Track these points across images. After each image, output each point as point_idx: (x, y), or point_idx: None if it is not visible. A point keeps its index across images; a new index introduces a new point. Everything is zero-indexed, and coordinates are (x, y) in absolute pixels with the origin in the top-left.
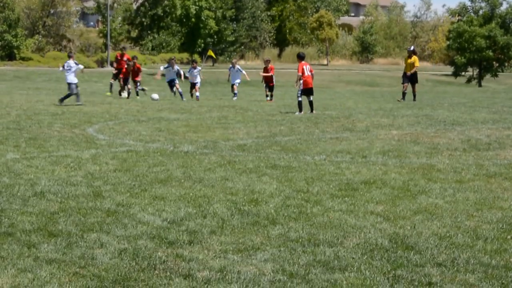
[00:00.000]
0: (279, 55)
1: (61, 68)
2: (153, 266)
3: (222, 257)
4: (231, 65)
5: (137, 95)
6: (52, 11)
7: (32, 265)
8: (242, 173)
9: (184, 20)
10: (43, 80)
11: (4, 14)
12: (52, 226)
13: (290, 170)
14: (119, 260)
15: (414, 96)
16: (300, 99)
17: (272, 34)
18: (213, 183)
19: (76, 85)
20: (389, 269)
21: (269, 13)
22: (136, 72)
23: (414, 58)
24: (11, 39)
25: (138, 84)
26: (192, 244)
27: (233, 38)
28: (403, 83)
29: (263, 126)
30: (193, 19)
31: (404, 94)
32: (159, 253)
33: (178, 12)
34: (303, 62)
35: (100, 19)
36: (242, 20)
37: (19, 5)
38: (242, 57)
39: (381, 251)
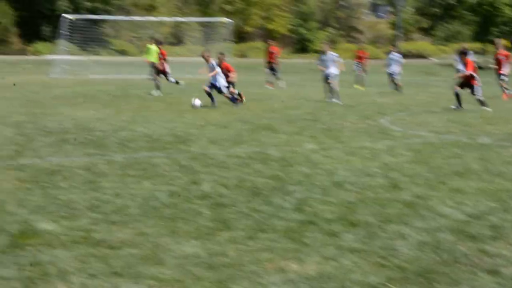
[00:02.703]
0: None
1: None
2: (455, 259)
3: None
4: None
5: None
6: (343, 3)
7: (335, 253)
8: None
9: (477, 8)
10: None
11: (299, 8)
12: (352, 216)
13: None
14: (420, 252)
15: None
16: None
17: None
18: None
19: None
20: None
21: None
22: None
23: None
24: (305, 32)
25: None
26: (495, 240)
27: None
28: None
29: None
30: (486, 7)
31: None
32: (460, 247)
33: (471, 0)
34: None
35: (390, 10)
36: None
37: None
38: None
39: None
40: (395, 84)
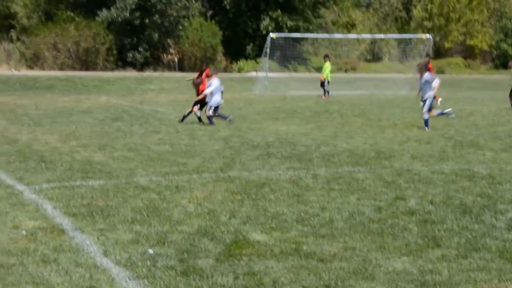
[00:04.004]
0: None
1: None
2: None
3: None
4: None
5: None
6: None
7: None
8: None
9: None
10: None
11: (500, 23)
12: None
13: None
14: None
15: None
16: None
17: None
18: None
19: None
20: None
21: None
22: None
23: None
24: (506, 47)
25: None
26: None
27: None
28: None
29: None
30: None
31: None
32: None
33: None
34: None
35: None
36: None
37: None
38: None
39: None
40: None
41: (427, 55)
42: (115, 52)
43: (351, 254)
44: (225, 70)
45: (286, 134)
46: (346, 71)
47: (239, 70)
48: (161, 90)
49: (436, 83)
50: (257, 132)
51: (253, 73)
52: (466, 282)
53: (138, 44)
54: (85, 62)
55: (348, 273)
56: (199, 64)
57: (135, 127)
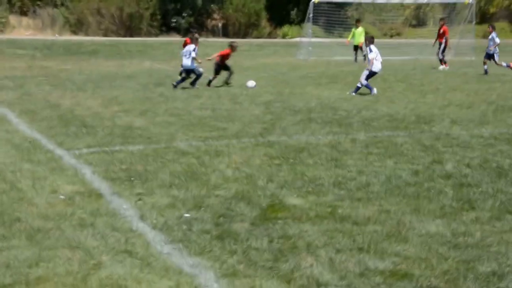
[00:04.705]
0: None
1: None
2: None
3: None
4: None
5: None
6: None
7: None
8: None
9: None
10: None
11: None
12: None
13: None
14: None
15: None
16: None
17: None
18: None
19: None
20: None
21: None
22: None
23: None
24: None
25: None
26: None
27: None
28: None
29: None
30: None
31: None
32: None
33: None
34: None
35: None
36: None
37: None
38: None
39: None
40: None
41: (442, 19)
42: (159, 17)
43: (385, 217)
44: (269, 35)
45: (328, 99)
46: (391, 36)
47: (284, 36)
48: (205, 55)
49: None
50: (299, 97)
51: (298, 39)
52: (498, 244)
53: (182, 9)
54: (129, 27)
55: (381, 236)
56: (244, 30)
57: (178, 92)
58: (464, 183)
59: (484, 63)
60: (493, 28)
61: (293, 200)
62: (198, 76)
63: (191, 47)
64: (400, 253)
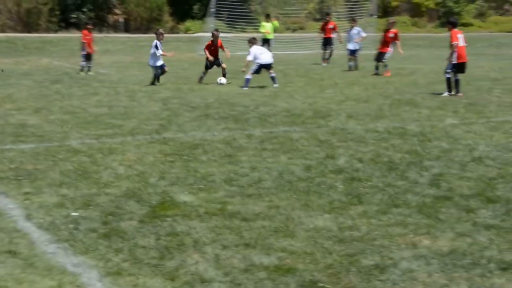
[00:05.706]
0: None
1: None
2: None
3: None
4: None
5: None
6: None
7: (470, 229)
8: None
9: None
10: (482, 46)
11: None
12: (491, 192)
13: None
14: None
15: None
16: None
17: None
18: None
19: None
20: None
21: None
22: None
23: None
24: (452, 5)
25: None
26: None
27: None
28: None
29: None
30: None
31: None
32: None
33: None
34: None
35: None
36: None
37: None
38: None
39: None
40: None
41: (327, 14)
42: (58, 12)
43: (274, 213)
44: (172, 30)
45: (227, 95)
46: (294, 30)
47: (186, 31)
48: (105, 52)
49: None
50: (198, 93)
51: (200, 34)
52: (382, 237)
53: (82, 4)
54: (27, 23)
55: (269, 232)
56: (146, 25)
57: (74, 89)
58: (355, 177)
59: (350, 60)
60: (355, 22)
61: (183, 197)
62: (154, 75)
63: (153, 42)
64: (286, 248)
